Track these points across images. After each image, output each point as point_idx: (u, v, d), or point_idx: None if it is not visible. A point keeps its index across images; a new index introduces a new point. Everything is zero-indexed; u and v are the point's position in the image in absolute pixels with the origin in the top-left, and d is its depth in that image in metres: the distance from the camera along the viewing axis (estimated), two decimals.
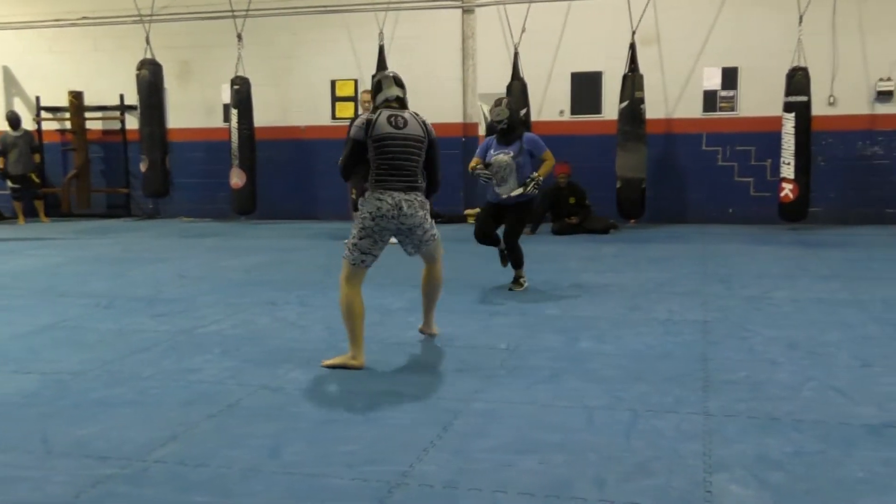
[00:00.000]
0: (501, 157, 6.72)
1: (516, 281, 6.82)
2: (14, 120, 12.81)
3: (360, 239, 4.64)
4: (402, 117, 4.68)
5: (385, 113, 4.67)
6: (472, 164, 6.91)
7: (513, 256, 6.83)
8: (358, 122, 4.70)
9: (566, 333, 5.35)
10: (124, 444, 3.53)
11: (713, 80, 11.31)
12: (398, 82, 4.82)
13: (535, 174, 6.73)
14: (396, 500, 2.98)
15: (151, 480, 3.18)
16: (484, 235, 6.97)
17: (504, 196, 6.78)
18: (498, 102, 6.87)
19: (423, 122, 4.77)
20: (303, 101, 12.70)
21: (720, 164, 11.37)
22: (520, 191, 6.70)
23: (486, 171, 6.74)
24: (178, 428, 3.72)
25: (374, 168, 4.65)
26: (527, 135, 6.93)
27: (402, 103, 4.79)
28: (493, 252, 7.30)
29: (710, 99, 11.34)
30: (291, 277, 7.66)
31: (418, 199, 4.71)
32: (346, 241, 4.76)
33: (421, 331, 5.28)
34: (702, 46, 11.24)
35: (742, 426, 3.62)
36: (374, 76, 4.92)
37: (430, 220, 4.85)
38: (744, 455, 3.30)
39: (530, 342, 5.15)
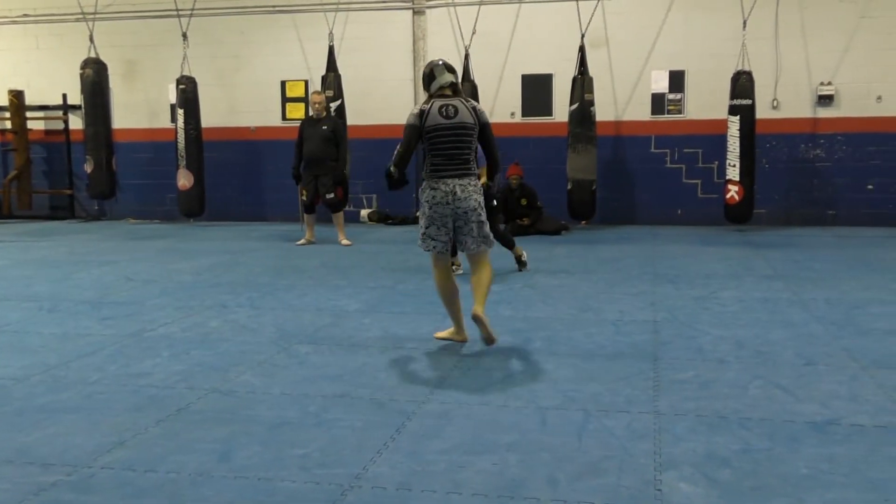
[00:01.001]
0: None
1: (519, 261, 7.66)
2: None
3: (427, 227, 4.97)
4: (453, 106, 4.86)
5: (437, 103, 4.87)
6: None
7: (502, 241, 7.41)
8: (413, 111, 4.92)
9: (519, 334, 5.38)
10: (69, 451, 3.45)
11: (661, 83, 11.47)
12: (449, 68, 4.96)
13: None
14: (350, 503, 2.96)
15: (98, 487, 3.12)
16: None
17: None
18: None
19: (474, 108, 4.92)
20: (252, 102, 12.55)
21: (669, 166, 11.54)
22: None
23: None
24: (125, 433, 3.65)
25: (428, 158, 4.89)
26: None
27: (454, 89, 4.95)
28: None
29: (658, 101, 11.50)
30: (242, 280, 7.57)
31: (472, 184, 4.90)
32: (419, 233, 5.08)
33: (473, 315, 4.93)
34: (650, 50, 11.40)
35: (691, 425, 3.68)
36: (427, 65, 5.04)
37: (484, 210, 4.99)
38: (693, 453, 3.36)
39: (484, 343, 5.16)
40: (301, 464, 3.30)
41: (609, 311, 6.06)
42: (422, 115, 4.84)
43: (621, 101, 11.58)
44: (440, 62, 4.99)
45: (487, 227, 5.01)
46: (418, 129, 4.85)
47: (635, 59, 11.43)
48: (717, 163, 11.20)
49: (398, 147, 4.92)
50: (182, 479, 3.18)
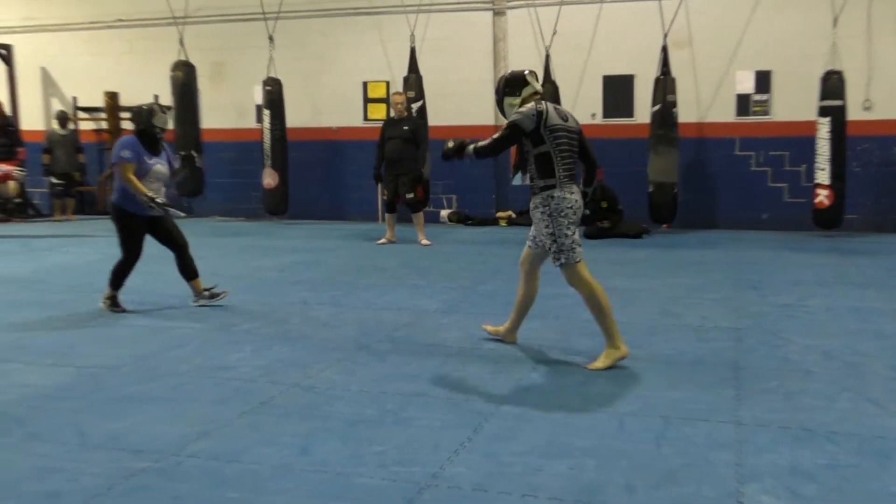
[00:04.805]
0: (160, 167, 6.25)
1: (202, 294, 6.51)
2: (64, 119, 13.04)
3: (574, 234, 4.71)
4: (564, 111, 4.82)
5: (549, 105, 4.72)
6: (136, 182, 6.05)
7: (192, 266, 6.56)
8: (526, 111, 4.64)
9: (598, 338, 5.30)
10: (157, 439, 3.58)
11: (746, 84, 11.18)
12: (537, 78, 4.93)
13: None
14: (426, 501, 2.99)
15: (184, 475, 3.23)
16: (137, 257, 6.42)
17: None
18: (163, 109, 6.36)
19: (572, 115, 4.90)
20: (334, 103, 12.75)
21: (753, 168, 11.24)
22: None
23: (161, 201, 6.17)
24: (210, 424, 3.77)
25: (557, 162, 4.67)
26: (167, 145, 6.54)
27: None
28: (519, 253, 7.19)
29: (743, 103, 11.22)
30: (323, 278, 7.71)
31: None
32: (559, 246, 4.68)
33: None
34: (734, 49, 11.12)
35: (775, 436, 3.58)
36: (512, 73, 4.95)
37: None
38: (776, 466, 3.27)
39: (562, 346, 5.14)
40: (379, 461, 3.34)
41: (690, 316, 5.94)
42: (540, 115, 4.60)
43: (705, 102, 11.34)
44: (527, 71, 4.89)
45: None
46: (522, 134, 4.65)
47: (719, 59, 11.18)
48: (804, 166, 10.86)
49: (490, 141, 4.73)
50: (264, 470, 3.26)
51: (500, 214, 12.04)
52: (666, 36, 10.83)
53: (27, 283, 7.26)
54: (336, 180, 12.90)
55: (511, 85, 4.82)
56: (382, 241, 10.10)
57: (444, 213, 12.36)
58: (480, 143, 4.78)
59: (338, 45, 12.65)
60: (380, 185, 10.49)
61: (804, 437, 3.56)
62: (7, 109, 13.23)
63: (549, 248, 4.73)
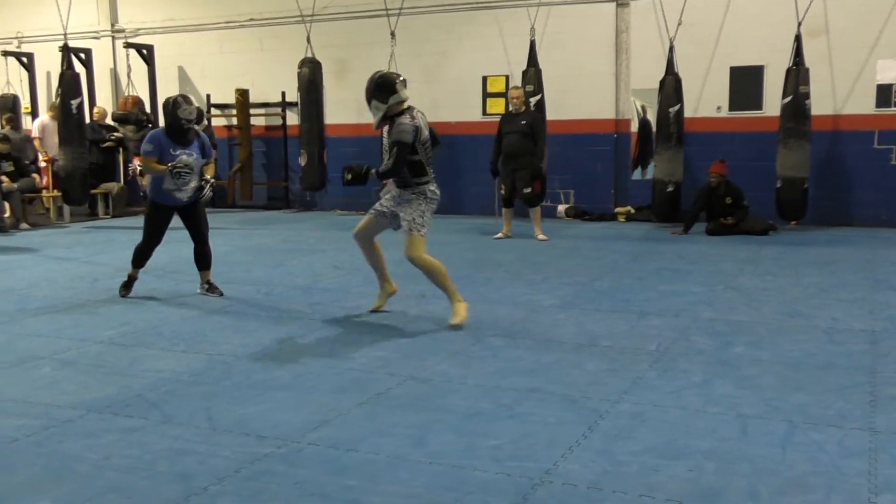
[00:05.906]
0: (186, 158, 6.40)
1: (211, 286, 6.76)
2: (200, 115, 13.65)
3: (431, 219, 5.67)
4: (425, 118, 5.57)
5: (419, 116, 5.48)
6: (155, 164, 6.36)
7: (207, 257, 6.78)
8: (407, 128, 5.34)
9: (720, 337, 5.17)
10: (280, 426, 3.72)
11: (889, 73, 10.54)
12: (406, 86, 5.56)
13: (208, 176, 6.62)
14: (540, 498, 2.98)
15: (305, 461, 3.33)
16: (157, 243, 6.73)
17: (185, 199, 6.51)
18: (188, 100, 6.54)
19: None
20: (453, 97, 12.83)
21: (894, 163, 10.62)
22: (208, 193, 6.61)
23: (186, 168, 6.37)
24: (330, 413, 3.88)
25: (426, 164, 5.54)
26: (203, 135, 6.75)
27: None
28: (638, 249, 7.10)
29: (884, 93, 10.58)
30: None
31: None
32: (422, 222, 5.61)
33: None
34: (876, 37, 10.51)
35: None
36: (383, 77, 5.53)
37: None
38: None
39: (681, 345, 5.01)
40: (493, 455, 3.36)
41: (820, 317, 5.67)
42: (417, 131, 5.35)
43: (841, 93, 10.77)
44: (400, 76, 5.52)
45: None
46: (412, 146, 5.36)
47: (858, 48, 10.59)
48: None
49: (392, 161, 5.38)
50: (380, 460, 3.33)
51: (618, 210, 11.83)
52: (800, 24, 10.35)
53: (162, 273, 7.66)
54: (453, 174, 12.98)
55: (381, 90, 5.39)
56: (499, 235, 10.12)
57: (562, 207, 12.24)
58: (382, 168, 5.51)
59: (458, 40, 12.73)
60: (497, 180, 10.50)
61: None
62: (147, 107, 14.01)
63: (414, 221, 5.54)
